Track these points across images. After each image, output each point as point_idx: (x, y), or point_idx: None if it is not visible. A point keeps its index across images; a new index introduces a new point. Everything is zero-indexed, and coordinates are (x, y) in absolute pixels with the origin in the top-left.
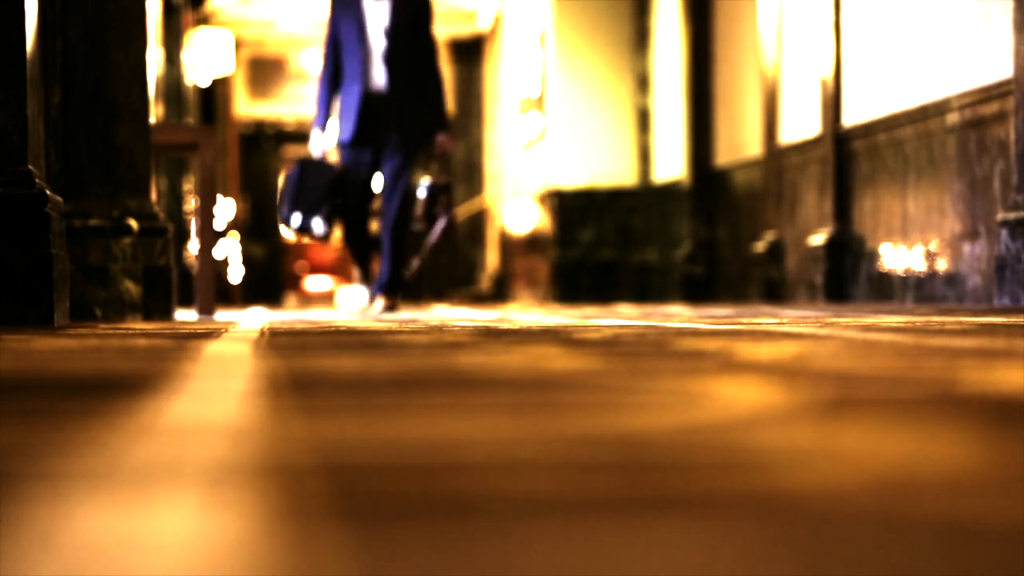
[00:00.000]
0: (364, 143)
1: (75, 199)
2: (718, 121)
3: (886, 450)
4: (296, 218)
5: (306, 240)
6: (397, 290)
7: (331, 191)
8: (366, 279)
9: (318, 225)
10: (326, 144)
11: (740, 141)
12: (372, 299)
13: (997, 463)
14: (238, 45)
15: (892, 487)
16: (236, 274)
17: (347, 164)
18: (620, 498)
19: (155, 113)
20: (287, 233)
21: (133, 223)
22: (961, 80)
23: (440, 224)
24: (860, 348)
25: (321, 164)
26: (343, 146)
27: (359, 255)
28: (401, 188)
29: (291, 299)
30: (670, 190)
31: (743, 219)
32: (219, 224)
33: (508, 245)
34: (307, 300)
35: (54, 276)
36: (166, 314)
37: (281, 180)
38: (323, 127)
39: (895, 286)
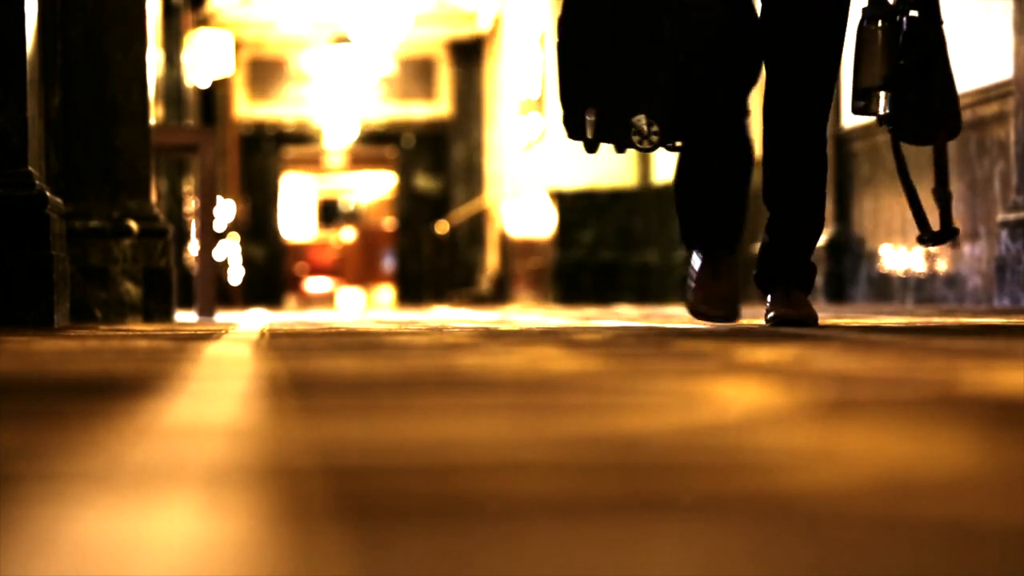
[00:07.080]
0: None
1: (75, 200)
2: None
3: (886, 451)
4: (591, 119)
5: (612, 149)
6: (812, 278)
7: (661, 53)
8: (716, 248)
9: (645, 132)
10: None
11: None
12: (704, 291)
13: (997, 464)
14: (238, 46)
15: (892, 488)
16: (236, 275)
17: None
18: (620, 499)
19: (155, 114)
20: (580, 146)
21: (133, 224)
22: (961, 81)
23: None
24: (860, 349)
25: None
26: None
27: (714, 197)
28: (828, 41)
29: (291, 300)
30: (670, 191)
31: None
32: (219, 225)
33: (508, 246)
34: (307, 302)
35: (54, 277)
36: (166, 316)
37: (555, 47)
38: None
39: (895, 287)
